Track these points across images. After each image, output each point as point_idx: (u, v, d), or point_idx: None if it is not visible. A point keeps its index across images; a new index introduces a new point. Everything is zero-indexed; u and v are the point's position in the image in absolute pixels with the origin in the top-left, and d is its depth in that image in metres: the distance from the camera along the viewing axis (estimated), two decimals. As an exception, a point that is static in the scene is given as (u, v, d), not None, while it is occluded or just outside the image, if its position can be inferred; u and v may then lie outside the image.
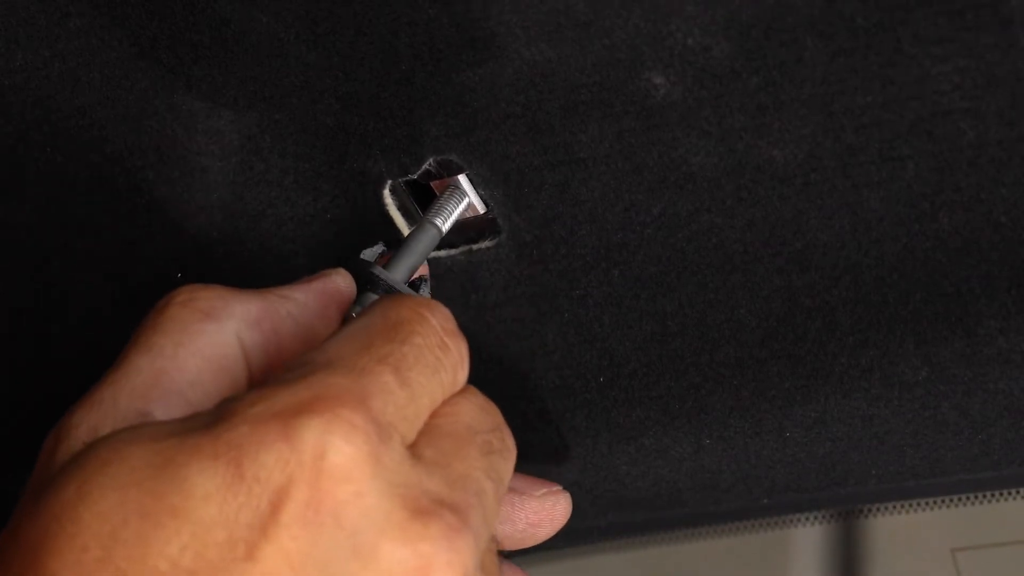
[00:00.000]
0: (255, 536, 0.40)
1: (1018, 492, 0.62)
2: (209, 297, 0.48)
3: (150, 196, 0.58)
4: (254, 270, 0.58)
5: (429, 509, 0.42)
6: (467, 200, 0.56)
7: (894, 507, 0.66)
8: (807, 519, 0.69)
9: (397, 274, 0.53)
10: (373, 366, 0.44)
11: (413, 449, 0.44)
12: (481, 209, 0.56)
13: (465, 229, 0.57)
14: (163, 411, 0.45)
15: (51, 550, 0.41)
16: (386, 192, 0.57)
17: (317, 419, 0.41)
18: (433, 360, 0.46)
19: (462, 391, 0.47)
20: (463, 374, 0.47)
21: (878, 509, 0.67)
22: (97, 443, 0.43)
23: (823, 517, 0.68)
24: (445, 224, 0.55)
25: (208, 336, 0.47)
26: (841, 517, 0.69)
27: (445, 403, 0.47)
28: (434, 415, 0.46)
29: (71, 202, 0.59)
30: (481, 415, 0.47)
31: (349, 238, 0.57)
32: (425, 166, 0.56)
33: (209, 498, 0.40)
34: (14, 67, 0.57)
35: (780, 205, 0.52)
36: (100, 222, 0.59)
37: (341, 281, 0.51)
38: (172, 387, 0.46)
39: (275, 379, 0.43)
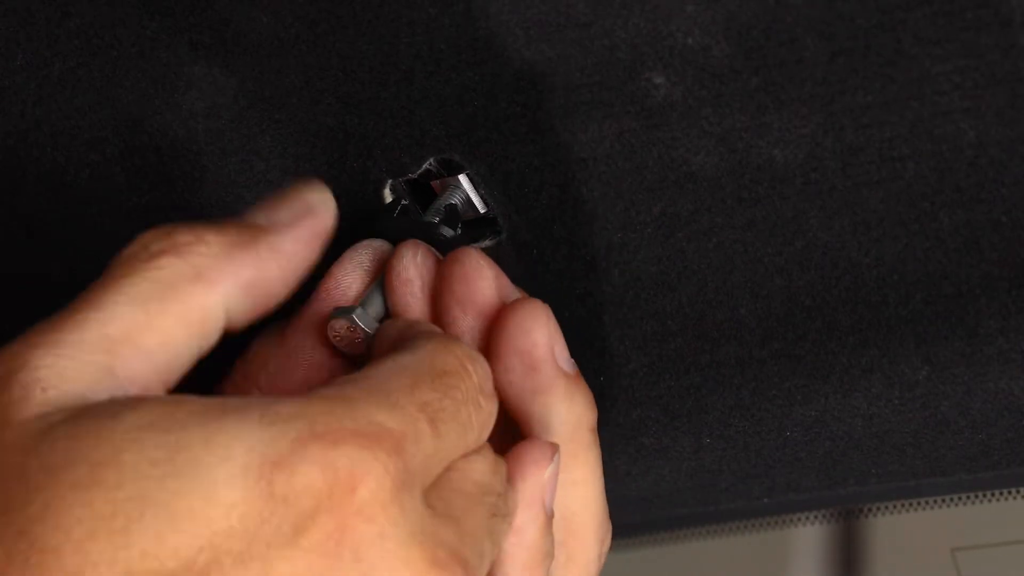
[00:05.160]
0: (271, 554, 0.40)
1: (1018, 492, 0.62)
2: (205, 254, 0.45)
3: (150, 196, 0.58)
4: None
5: (445, 561, 0.42)
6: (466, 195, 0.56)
7: (894, 507, 0.66)
8: (807, 519, 0.69)
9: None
10: (414, 411, 0.43)
11: (426, 498, 0.44)
12: (481, 209, 0.56)
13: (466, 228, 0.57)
14: (126, 369, 0.43)
15: (51, 524, 0.39)
16: (386, 192, 0.57)
17: (355, 452, 0.41)
18: (465, 418, 0.45)
19: (481, 449, 0.47)
20: (486, 434, 0.47)
21: (878, 509, 0.67)
22: (105, 420, 0.41)
23: (823, 517, 0.68)
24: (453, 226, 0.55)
25: (195, 300, 0.45)
26: (841, 517, 0.69)
27: (460, 457, 0.46)
28: (448, 467, 0.46)
29: (71, 202, 0.59)
30: (491, 476, 0.47)
31: (349, 237, 0.57)
32: (425, 166, 0.56)
33: (233, 508, 0.40)
34: (14, 67, 0.57)
35: (780, 205, 0.52)
36: (100, 222, 0.59)
37: (328, 217, 0.49)
38: (143, 345, 0.44)
39: (317, 393, 0.43)
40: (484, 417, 0.46)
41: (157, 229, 0.45)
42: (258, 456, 0.40)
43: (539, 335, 0.50)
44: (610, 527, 0.52)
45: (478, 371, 0.46)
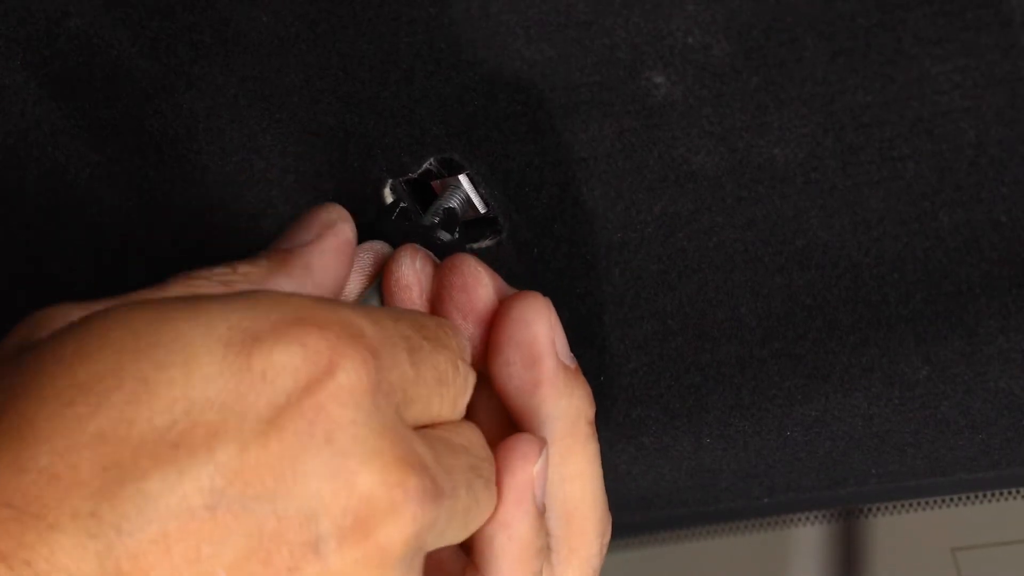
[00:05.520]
0: (245, 428, 0.40)
1: (1018, 492, 0.62)
2: (243, 282, 0.47)
3: (150, 196, 0.58)
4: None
5: (415, 465, 0.42)
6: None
7: (894, 507, 0.66)
8: (807, 519, 0.69)
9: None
10: (394, 336, 0.44)
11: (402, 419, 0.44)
12: (481, 209, 0.56)
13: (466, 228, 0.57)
14: None
15: (33, 396, 0.40)
16: (386, 192, 0.57)
17: (336, 340, 0.41)
18: (443, 367, 0.46)
19: (462, 422, 0.47)
20: (463, 401, 0.47)
21: (878, 509, 0.67)
22: (99, 312, 0.42)
23: (823, 517, 0.68)
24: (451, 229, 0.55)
25: None
26: (841, 517, 0.69)
27: (445, 423, 0.47)
28: (432, 426, 0.46)
29: (71, 202, 0.59)
30: (478, 444, 0.47)
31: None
32: (425, 165, 0.56)
33: (211, 380, 0.40)
34: (14, 67, 0.57)
35: (781, 204, 0.52)
36: (101, 222, 0.59)
37: (347, 229, 0.50)
38: None
39: (304, 293, 0.43)
40: (460, 381, 0.47)
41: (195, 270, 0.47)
42: (240, 332, 0.41)
43: (540, 328, 0.50)
44: (610, 520, 0.52)
45: (457, 339, 0.47)
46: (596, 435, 0.51)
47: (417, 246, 0.53)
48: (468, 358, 0.48)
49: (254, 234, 0.58)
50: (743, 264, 0.54)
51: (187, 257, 0.58)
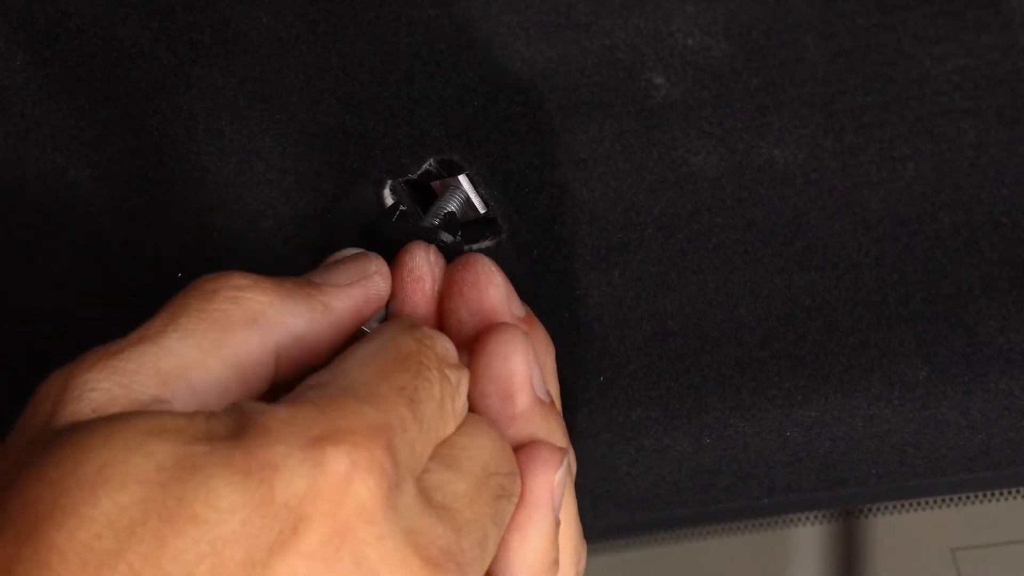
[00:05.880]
0: (272, 559, 0.40)
1: (1018, 492, 0.62)
2: (261, 301, 0.47)
3: (150, 196, 0.58)
4: (254, 270, 0.58)
5: (439, 561, 0.42)
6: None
7: (894, 507, 0.66)
8: (807, 519, 0.69)
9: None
10: (393, 397, 0.44)
11: (423, 483, 0.44)
12: (481, 209, 0.56)
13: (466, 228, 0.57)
14: (180, 404, 0.45)
15: (60, 525, 0.40)
16: (386, 193, 0.57)
17: (346, 450, 0.41)
18: (439, 393, 0.46)
19: (479, 424, 0.48)
20: (462, 402, 0.47)
21: (878, 509, 0.67)
22: (117, 423, 0.42)
23: (823, 517, 0.68)
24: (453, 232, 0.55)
25: (248, 345, 0.46)
26: (841, 517, 0.68)
27: (461, 432, 0.47)
28: (450, 444, 0.46)
29: (71, 202, 0.59)
30: (499, 455, 0.47)
31: (349, 238, 0.57)
32: (425, 166, 0.56)
33: (234, 513, 0.40)
34: (14, 67, 0.57)
35: (780, 205, 0.52)
36: (100, 222, 0.59)
37: (382, 284, 0.51)
38: (196, 384, 0.45)
39: (302, 397, 0.43)
40: (454, 389, 0.47)
41: (218, 273, 0.47)
42: (257, 461, 0.41)
43: (516, 363, 0.50)
44: (585, 547, 0.52)
45: (437, 346, 0.47)
46: (570, 466, 0.51)
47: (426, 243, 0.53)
48: (453, 357, 0.48)
49: (254, 234, 0.58)
50: (743, 265, 0.54)
51: (187, 257, 0.58)
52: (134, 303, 0.57)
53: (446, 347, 0.48)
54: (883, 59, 0.48)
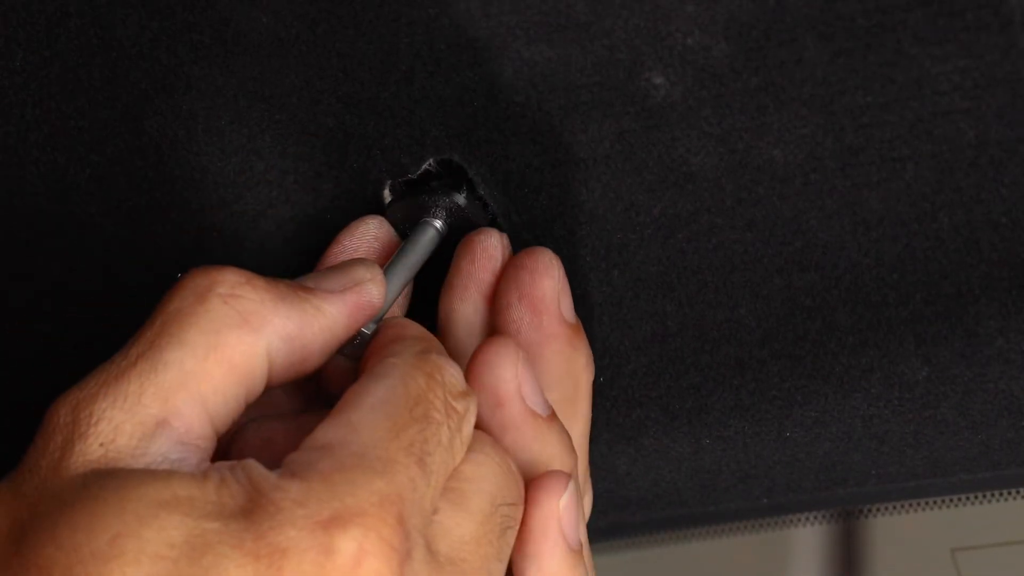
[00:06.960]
0: None
1: (1018, 492, 0.62)
2: (251, 300, 0.47)
3: (150, 196, 0.58)
4: (254, 270, 0.58)
5: None
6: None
7: (894, 507, 0.66)
8: (807, 519, 0.69)
9: (396, 278, 0.53)
10: (403, 458, 0.44)
11: (431, 533, 0.44)
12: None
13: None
14: (181, 418, 0.45)
15: None
16: (386, 192, 0.57)
17: (354, 534, 0.42)
18: (447, 434, 0.46)
19: (484, 446, 0.47)
20: (468, 429, 0.47)
21: (878, 509, 0.67)
22: (130, 489, 0.42)
23: (823, 517, 0.68)
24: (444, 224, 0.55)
25: (241, 346, 0.46)
26: (841, 517, 0.68)
27: (468, 460, 0.47)
28: (458, 477, 0.46)
29: (71, 202, 0.59)
30: (505, 482, 0.47)
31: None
32: (425, 166, 0.55)
33: None
34: (14, 67, 0.57)
35: (780, 205, 0.52)
36: (100, 222, 0.59)
37: (375, 291, 0.50)
38: (195, 393, 0.45)
39: (312, 469, 0.43)
40: (461, 418, 0.47)
41: (207, 268, 0.47)
42: (267, 545, 0.41)
43: (504, 372, 0.49)
44: (592, 563, 0.52)
45: (446, 377, 0.47)
46: (579, 485, 0.51)
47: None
48: (462, 385, 0.47)
49: (254, 234, 0.58)
50: (742, 265, 0.54)
51: (187, 257, 0.58)
52: (134, 303, 0.57)
53: (454, 375, 0.47)
54: (883, 59, 0.48)
